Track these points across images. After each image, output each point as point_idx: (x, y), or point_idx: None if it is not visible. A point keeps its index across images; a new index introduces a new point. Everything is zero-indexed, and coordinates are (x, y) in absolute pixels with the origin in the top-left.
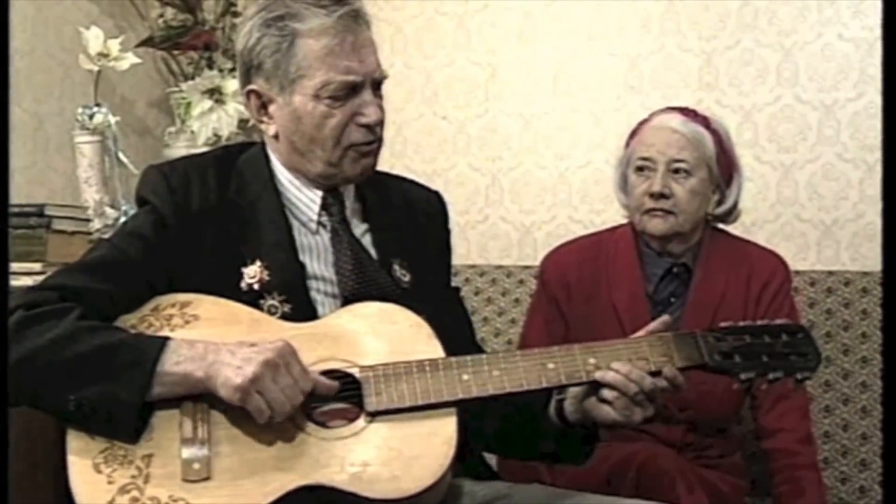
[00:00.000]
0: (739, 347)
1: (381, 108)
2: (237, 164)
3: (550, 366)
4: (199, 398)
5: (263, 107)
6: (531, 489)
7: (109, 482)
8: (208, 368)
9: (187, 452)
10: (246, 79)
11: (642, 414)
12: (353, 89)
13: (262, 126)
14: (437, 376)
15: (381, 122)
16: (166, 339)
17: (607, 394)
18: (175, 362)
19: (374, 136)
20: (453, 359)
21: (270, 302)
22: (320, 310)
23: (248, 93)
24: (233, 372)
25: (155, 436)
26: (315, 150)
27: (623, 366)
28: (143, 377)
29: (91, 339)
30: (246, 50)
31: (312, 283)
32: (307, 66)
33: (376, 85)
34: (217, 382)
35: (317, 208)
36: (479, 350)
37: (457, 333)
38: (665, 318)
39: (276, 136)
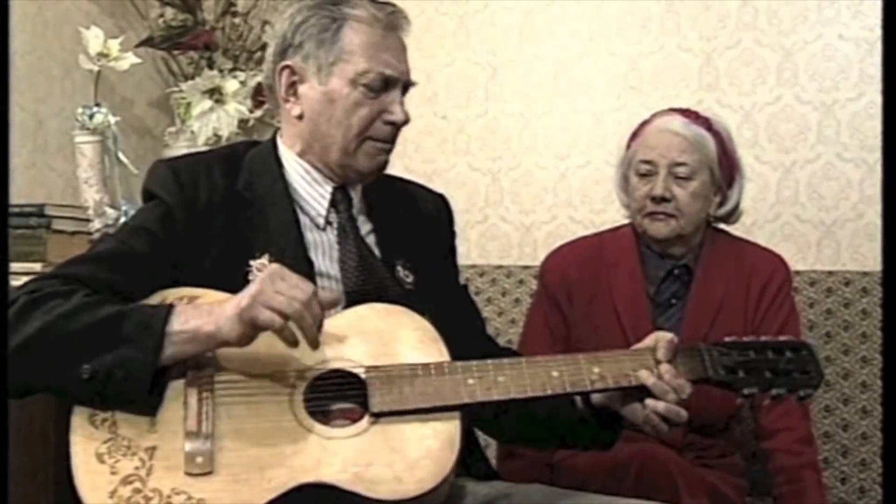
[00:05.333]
0: (743, 362)
1: (407, 111)
2: (245, 159)
3: (555, 374)
4: (205, 391)
5: (293, 85)
6: (531, 489)
7: (112, 472)
8: (216, 320)
9: (190, 446)
10: (280, 56)
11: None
12: (387, 84)
13: (287, 105)
14: (443, 380)
15: (405, 123)
16: (172, 304)
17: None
18: (184, 321)
19: (395, 135)
20: (459, 363)
21: None
22: None
23: (282, 69)
24: (233, 305)
25: (159, 428)
26: (336, 136)
27: (649, 377)
28: (155, 338)
29: (99, 310)
30: (291, 28)
31: (318, 280)
32: (350, 52)
33: (406, 88)
34: (225, 328)
35: (326, 203)
36: (492, 344)
37: (465, 330)
38: (670, 337)
39: (299, 117)
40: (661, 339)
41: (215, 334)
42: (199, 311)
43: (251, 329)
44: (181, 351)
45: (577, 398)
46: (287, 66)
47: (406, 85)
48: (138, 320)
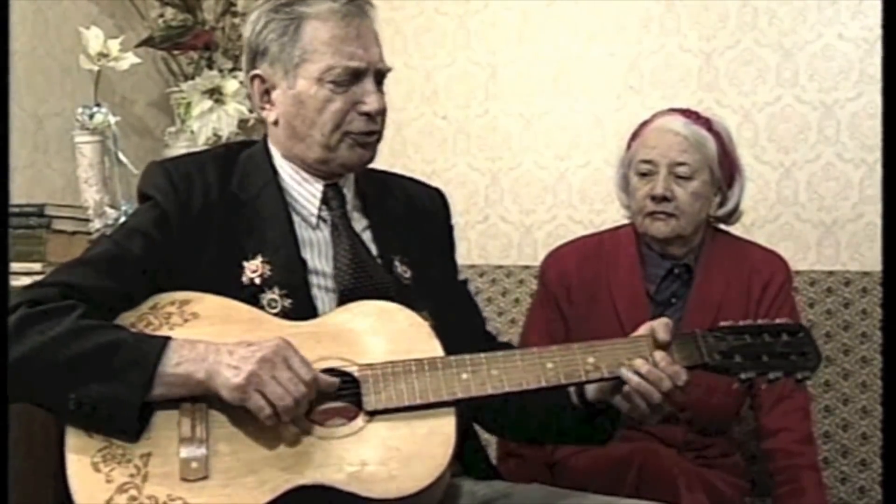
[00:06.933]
0: (739, 347)
1: (382, 98)
2: (239, 160)
3: (549, 365)
4: (199, 397)
5: (266, 93)
6: (531, 489)
7: (108, 481)
8: (209, 369)
9: (185, 451)
10: (251, 65)
11: (657, 417)
12: (355, 76)
13: (264, 112)
14: (436, 375)
15: (382, 112)
16: (167, 339)
17: (634, 395)
18: (176, 363)
19: (375, 125)
20: (452, 358)
21: (270, 296)
22: (319, 305)
23: (252, 78)
24: (231, 372)
25: (153, 435)
26: (314, 135)
27: (643, 365)
28: (145, 377)
29: (92, 337)
30: (253, 35)
31: (312, 278)
32: (312, 50)
33: (379, 76)
34: (217, 383)
35: (317, 202)
36: (492, 340)
37: (465, 327)
38: (666, 321)
39: (275, 123)
40: (657, 324)
41: (206, 383)
42: (195, 355)
43: (240, 403)
44: (170, 392)
45: (573, 393)
46: (257, 76)
47: (380, 72)
48: (130, 355)
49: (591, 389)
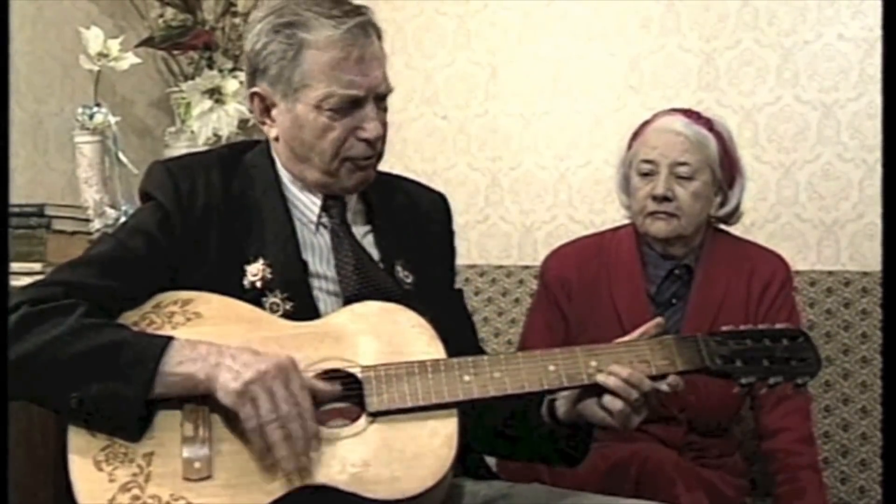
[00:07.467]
0: (740, 352)
1: (383, 122)
2: (242, 162)
3: (552, 368)
4: (202, 397)
5: (266, 109)
6: (531, 489)
7: (110, 480)
8: (210, 370)
9: (188, 451)
10: (251, 80)
11: (638, 419)
12: (354, 103)
13: (264, 128)
14: (439, 377)
15: (381, 138)
16: (169, 338)
17: (607, 399)
18: (178, 362)
19: (374, 150)
20: (455, 360)
21: (272, 300)
22: (322, 308)
23: (252, 94)
24: (230, 375)
25: (156, 434)
26: (313, 159)
27: (623, 369)
28: (146, 376)
29: (94, 337)
30: (253, 52)
31: (314, 282)
32: (311, 77)
33: (381, 97)
34: (217, 385)
35: (317, 209)
36: (481, 353)
37: (458, 336)
38: (659, 320)
39: (276, 139)
40: (649, 325)
41: (206, 384)
42: (196, 355)
43: (233, 407)
44: (171, 391)
45: (545, 412)
46: (256, 93)
47: (381, 95)
48: (132, 354)
49: (561, 407)
